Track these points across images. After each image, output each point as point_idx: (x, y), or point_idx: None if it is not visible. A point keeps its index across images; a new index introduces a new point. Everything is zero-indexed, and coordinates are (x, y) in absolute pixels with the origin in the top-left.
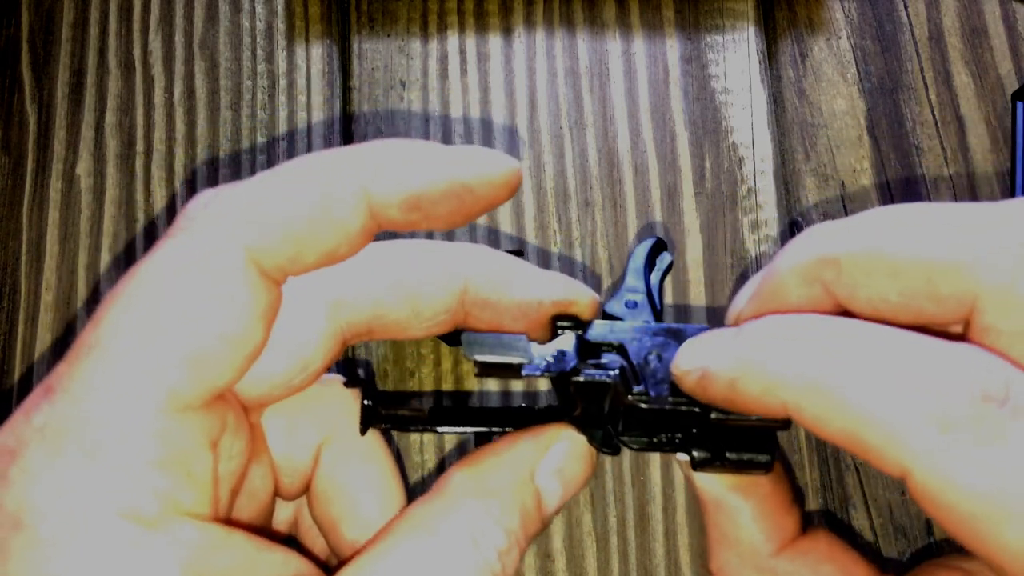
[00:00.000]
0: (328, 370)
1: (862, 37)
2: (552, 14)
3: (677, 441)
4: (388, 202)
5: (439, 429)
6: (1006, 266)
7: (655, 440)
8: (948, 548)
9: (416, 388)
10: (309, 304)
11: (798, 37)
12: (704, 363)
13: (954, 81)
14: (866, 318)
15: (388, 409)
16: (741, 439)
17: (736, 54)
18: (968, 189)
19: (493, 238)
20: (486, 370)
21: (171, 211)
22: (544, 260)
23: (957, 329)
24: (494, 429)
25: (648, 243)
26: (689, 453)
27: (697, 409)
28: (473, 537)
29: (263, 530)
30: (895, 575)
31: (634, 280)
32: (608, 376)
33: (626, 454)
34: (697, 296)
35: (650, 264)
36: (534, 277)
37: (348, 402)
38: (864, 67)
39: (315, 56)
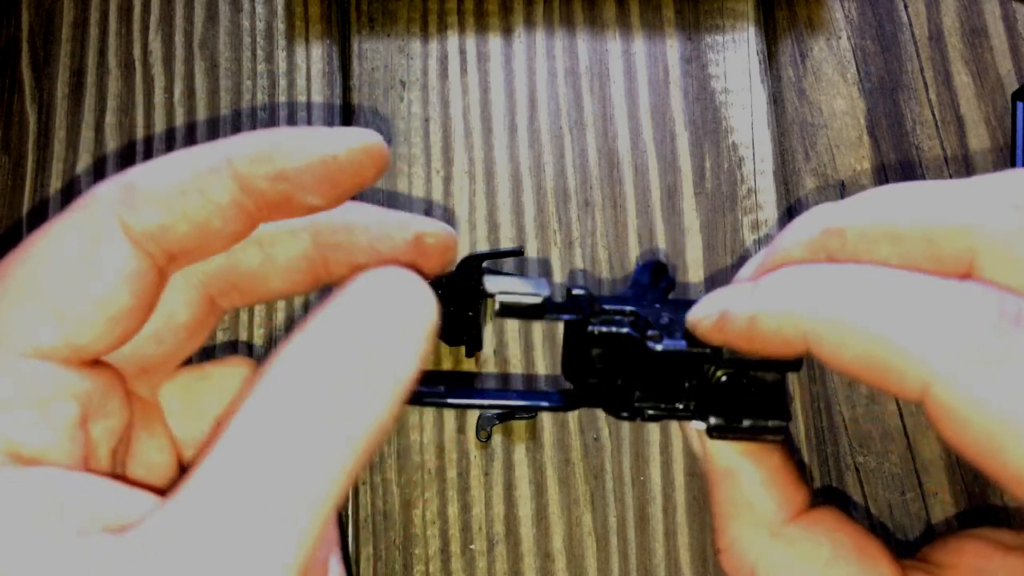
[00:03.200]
0: (206, 337)
1: (862, 37)
2: (552, 14)
3: (692, 409)
4: (253, 171)
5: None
6: (1002, 225)
7: (671, 407)
8: None
9: None
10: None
11: (798, 37)
12: (723, 306)
13: (954, 81)
14: None
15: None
16: (754, 405)
17: (736, 54)
18: None
19: (493, 238)
20: (507, 311)
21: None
22: (544, 260)
23: None
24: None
25: (647, 265)
26: (705, 420)
27: (709, 350)
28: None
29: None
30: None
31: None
32: (624, 327)
33: (626, 454)
34: (697, 296)
35: (653, 285)
36: (382, 215)
37: (244, 374)
38: (864, 67)
39: (315, 56)
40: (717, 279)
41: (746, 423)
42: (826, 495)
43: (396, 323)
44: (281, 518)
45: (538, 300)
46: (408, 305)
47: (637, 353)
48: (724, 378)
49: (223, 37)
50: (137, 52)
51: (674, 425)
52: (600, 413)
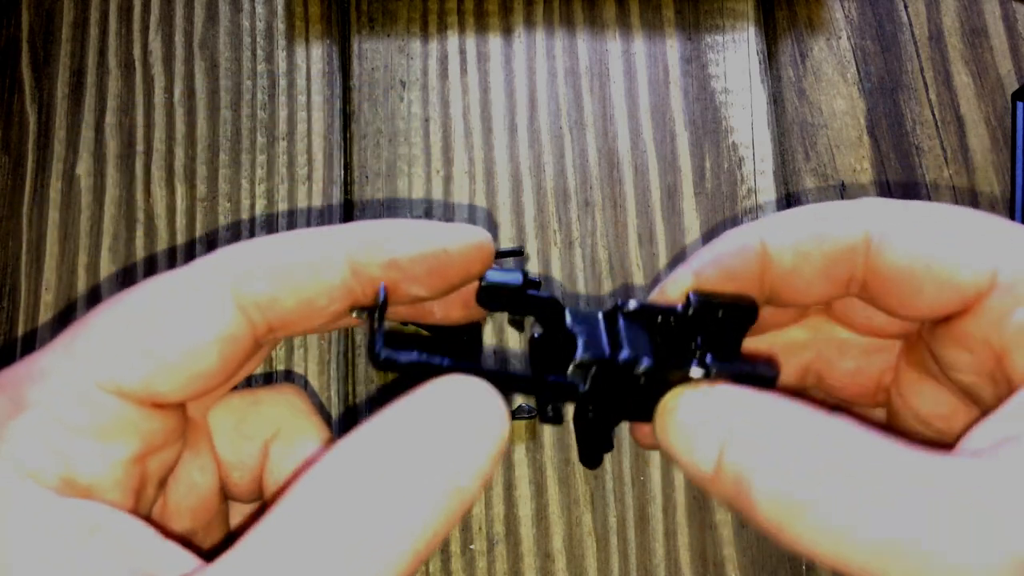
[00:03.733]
0: (259, 364)
1: (862, 37)
2: (552, 14)
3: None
4: (367, 259)
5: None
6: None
7: (662, 363)
8: None
9: None
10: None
11: (798, 37)
12: (690, 267)
13: (954, 81)
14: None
15: (393, 355)
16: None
17: (736, 54)
18: (968, 189)
19: (493, 237)
20: (489, 296)
21: (171, 211)
22: (544, 260)
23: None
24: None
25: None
26: (703, 364)
27: (680, 308)
28: (363, 532)
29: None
30: None
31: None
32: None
33: (626, 454)
34: None
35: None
36: (421, 227)
37: (297, 403)
38: (864, 67)
39: (315, 56)
40: None
41: (740, 361)
42: None
43: (465, 432)
44: None
45: (518, 280)
46: (480, 417)
47: (611, 322)
48: (692, 310)
49: (223, 37)
50: (137, 52)
51: None
52: None
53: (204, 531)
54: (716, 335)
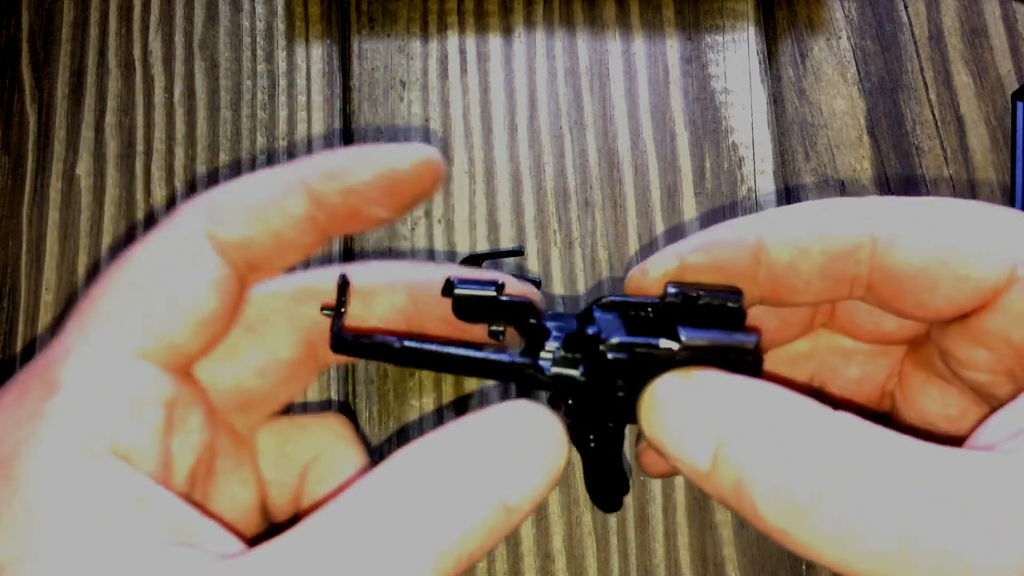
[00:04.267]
0: (304, 387)
1: (862, 37)
2: (552, 14)
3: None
4: (325, 187)
5: (415, 365)
6: None
7: (638, 343)
8: None
9: (415, 388)
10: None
11: (798, 37)
12: (675, 249)
13: (954, 81)
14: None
15: (357, 338)
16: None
17: (736, 54)
18: (968, 189)
19: (493, 238)
20: (463, 308)
21: (171, 211)
22: (544, 260)
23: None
24: (471, 374)
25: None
26: (676, 339)
27: (658, 300)
28: (402, 539)
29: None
30: None
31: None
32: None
33: (626, 453)
34: None
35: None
36: (369, 151)
37: (338, 429)
38: (864, 67)
39: (315, 56)
40: None
41: (719, 333)
42: None
43: (518, 452)
44: None
45: (490, 291)
46: (536, 440)
47: (586, 317)
48: (675, 300)
49: (223, 37)
50: (137, 52)
51: None
52: None
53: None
54: (697, 326)
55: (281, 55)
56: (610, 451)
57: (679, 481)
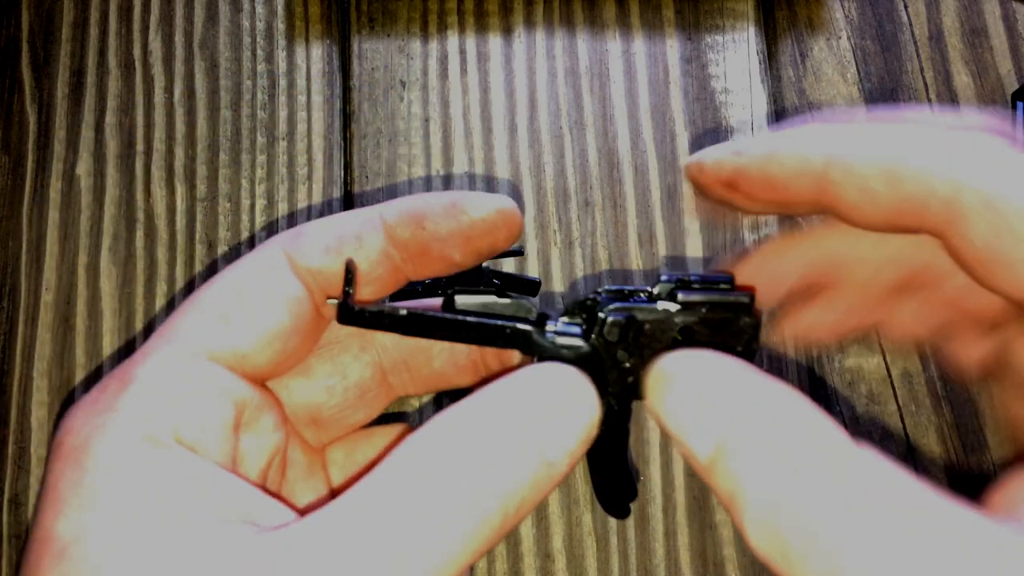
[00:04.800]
0: (376, 413)
1: (862, 37)
2: (552, 14)
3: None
4: (398, 221)
5: (418, 333)
6: (985, 182)
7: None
8: None
9: None
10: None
11: (798, 37)
12: (737, 147)
13: (954, 81)
14: (866, 226)
15: (364, 307)
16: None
17: (736, 54)
18: None
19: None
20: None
21: (171, 211)
22: (544, 260)
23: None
24: (471, 339)
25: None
26: (672, 298)
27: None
28: (450, 496)
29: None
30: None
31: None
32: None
33: (632, 458)
34: None
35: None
36: (450, 196)
37: (404, 437)
38: (864, 67)
39: (315, 56)
40: None
41: (715, 292)
42: None
43: (555, 409)
44: (411, 559)
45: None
46: (570, 399)
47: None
48: (670, 284)
49: (223, 37)
50: (137, 52)
51: None
52: None
53: None
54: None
55: (281, 55)
56: (616, 451)
57: (679, 481)
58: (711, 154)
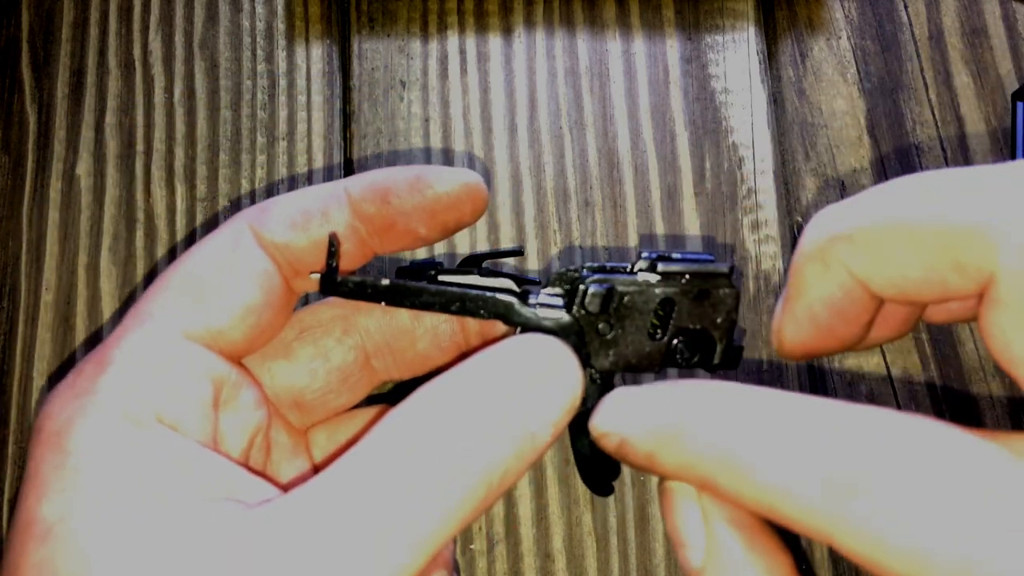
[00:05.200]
0: (359, 397)
1: (862, 37)
2: (552, 14)
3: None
4: (363, 196)
5: (401, 303)
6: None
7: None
8: None
9: None
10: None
11: (798, 37)
12: (621, 430)
13: (954, 81)
14: (894, 300)
15: (347, 277)
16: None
17: (736, 54)
18: None
19: (493, 238)
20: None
21: (171, 211)
22: (544, 260)
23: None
24: (453, 309)
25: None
26: (653, 269)
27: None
28: (433, 466)
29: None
30: None
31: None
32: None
33: None
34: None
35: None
36: (414, 170)
37: (379, 416)
38: (864, 67)
39: (315, 56)
40: None
41: (694, 262)
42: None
43: (537, 380)
44: (394, 532)
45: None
46: (552, 370)
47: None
48: (651, 259)
49: (223, 37)
50: (137, 52)
51: None
52: None
53: None
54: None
55: (281, 55)
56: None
57: None
58: (600, 422)
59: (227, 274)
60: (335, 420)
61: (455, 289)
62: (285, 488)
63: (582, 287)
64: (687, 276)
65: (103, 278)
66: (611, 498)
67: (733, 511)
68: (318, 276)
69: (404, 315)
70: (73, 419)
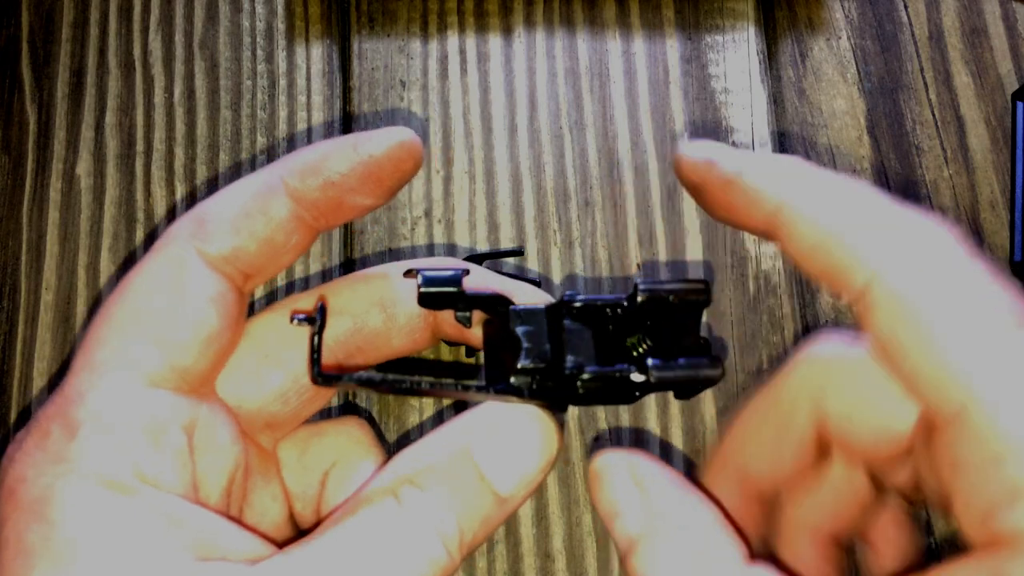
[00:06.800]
0: (329, 399)
1: (862, 37)
2: (552, 14)
3: (626, 367)
4: (304, 184)
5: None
6: (902, 277)
7: (606, 370)
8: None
9: None
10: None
11: (798, 37)
12: (713, 155)
13: (954, 81)
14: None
15: (339, 376)
16: (683, 349)
17: (736, 54)
18: (968, 189)
19: (493, 238)
20: (429, 301)
21: (171, 211)
22: (544, 260)
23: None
24: (445, 399)
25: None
26: (643, 371)
27: (626, 302)
28: (412, 532)
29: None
30: None
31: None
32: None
33: None
34: None
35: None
36: (343, 142)
37: (355, 433)
38: (864, 67)
39: (315, 56)
40: (717, 281)
41: (682, 361)
42: None
43: (512, 449)
44: None
45: (455, 286)
46: (528, 439)
47: (555, 319)
48: (641, 298)
49: (223, 37)
50: (137, 52)
51: (674, 424)
52: (600, 413)
53: None
54: (667, 324)
55: (281, 55)
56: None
57: None
58: (691, 154)
59: (180, 305)
60: (303, 435)
61: (452, 390)
62: (266, 537)
63: (577, 383)
64: (681, 382)
65: (103, 278)
66: None
67: (666, 472)
68: (300, 320)
69: (376, 318)
70: (53, 487)
